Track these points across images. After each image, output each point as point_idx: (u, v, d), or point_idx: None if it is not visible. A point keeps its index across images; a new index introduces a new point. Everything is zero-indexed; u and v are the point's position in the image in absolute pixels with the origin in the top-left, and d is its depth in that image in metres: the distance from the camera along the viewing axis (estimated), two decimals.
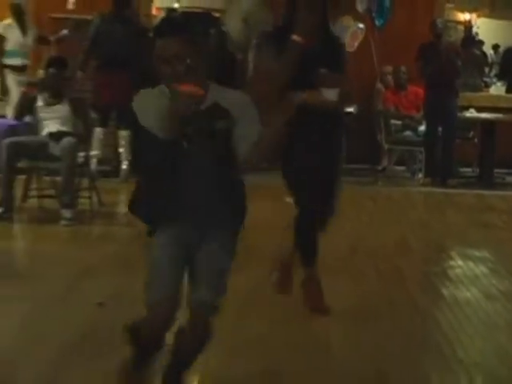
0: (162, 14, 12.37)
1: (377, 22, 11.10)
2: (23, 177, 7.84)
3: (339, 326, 4.84)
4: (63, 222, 7.33)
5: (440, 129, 10.57)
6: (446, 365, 4.33)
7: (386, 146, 10.91)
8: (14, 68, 9.38)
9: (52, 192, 7.96)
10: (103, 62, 9.30)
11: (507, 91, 11.94)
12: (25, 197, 7.83)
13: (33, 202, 7.91)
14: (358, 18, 10.64)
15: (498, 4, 12.17)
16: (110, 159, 9.96)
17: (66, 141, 7.46)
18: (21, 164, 7.55)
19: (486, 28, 12.09)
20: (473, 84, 11.48)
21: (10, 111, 8.87)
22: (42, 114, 7.69)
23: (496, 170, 11.06)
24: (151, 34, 3.19)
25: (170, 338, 3.24)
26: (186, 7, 14.05)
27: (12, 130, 7.84)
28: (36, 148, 7.54)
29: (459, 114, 10.66)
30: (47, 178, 8.12)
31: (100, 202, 8.20)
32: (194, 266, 3.21)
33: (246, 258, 5.11)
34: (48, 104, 7.70)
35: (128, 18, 9.37)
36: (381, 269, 6.15)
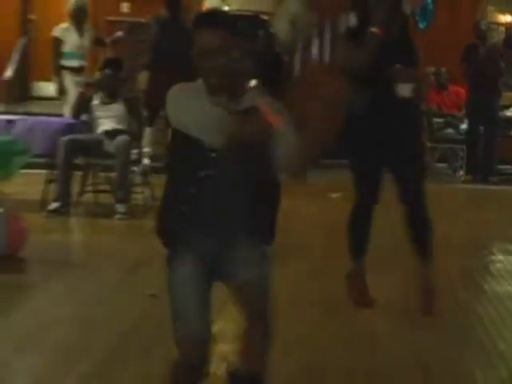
0: None
1: (420, 25, 11.06)
2: (80, 173, 7.89)
3: (383, 320, 4.81)
4: (117, 216, 7.38)
5: (481, 127, 10.50)
6: (488, 359, 4.28)
7: (429, 144, 10.83)
8: (72, 69, 9.44)
9: (107, 187, 8.01)
10: (159, 65, 9.33)
11: None
12: (81, 192, 7.88)
13: (89, 196, 7.97)
14: None
15: None
16: (161, 156, 10.00)
17: (121, 139, 7.52)
18: (77, 160, 7.62)
19: None
20: None
21: (67, 110, 8.94)
22: (97, 113, 7.75)
23: None
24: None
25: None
26: (236, 10, 14.08)
27: (69, 129, 7.89)
28: (92, 145, 7.60)
29: (500, 113, 10.58)
30: (102, 174, 8.18)
31: (152, 196, 8.23)
32: (231, 281, 2.91)
33: (285, 256, 5.11)
34: (103, 103, 7.76)
35: (182, 21, 9.38)
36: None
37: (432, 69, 11.14)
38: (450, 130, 11.03)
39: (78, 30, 9.48)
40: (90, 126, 7.80)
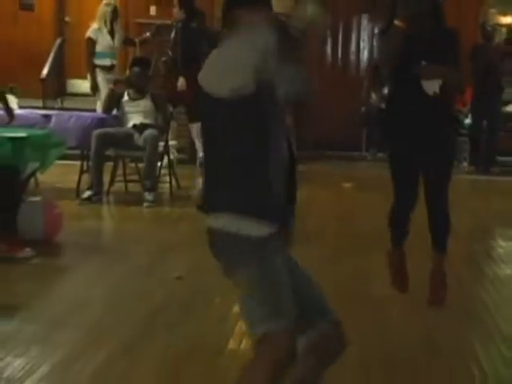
0: None
1: None
2: (111, 164, 7.92)
3: (394, 298, 4.80)
4: (146, 204, 7.40)
5: (485, 122, 10.46)
6: (489, 336, 4.27)
7: None
8: (104, 67, 9.46)
9: (136, 177, 8.04)
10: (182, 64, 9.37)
11: None
12: (112, 181, 7.91)
13: (119, 186, 8.00)
14: None
15: None
16: (185, 148, 10.03)
17: (148, 132, 7.53)
18: (108, 152, 7.64)
19: None
20: None
21: (99, 106, 8.97)
22: (127, 108, 7.77)
23: None
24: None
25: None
26: None
27: (101, 123, 7.92)
28: (122, 138, 7.63)
29: (503, 108, 10.55)
30: (132, 165, 8.22)
31: (178, 186, 8.27)
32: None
33: (302, 240, 5.10)
34: (132, 99, 7.78)
35: (197, 23, 9.38)
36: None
37: None
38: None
39: (109, 31, 9.50)
40: (120, 120, 7.83)
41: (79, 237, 6.17)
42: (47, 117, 8.12)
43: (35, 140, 6.01)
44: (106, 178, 7.75)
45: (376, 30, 11.80)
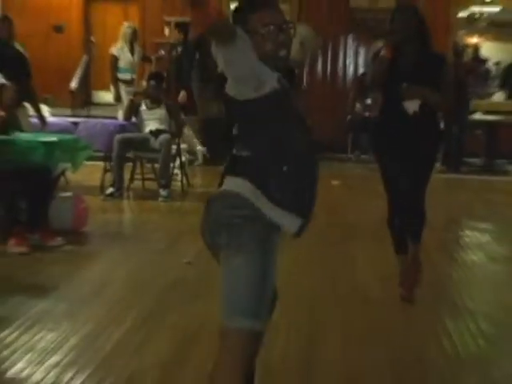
0: None
1: None
2: (130, 164, 7.92)
3: (377, 280, 4.83)
4: (160, 199, 7.41)
5: (454, 128, 10.46)
6: (458, 312, 4.28)
7: None
8: (125, 81, 9.45)
9: (152, 176, 8.04)
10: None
11: (507, 99, 11.77)
12: (131, 179, 7.91)
13: (137, 183, 8.00)
14: None
15: (498, 31, 11.96)
16: (194, 152, 10.03)
17: (163, 137, 7.53)
18: (128, 154, 7.64)
19: (489, 49, 11.88)
20: (480, 93, 11.30)
21: (120, 114, 8.97)
22: (144, 116, 7.77)
23: (498, 160, 10.89)
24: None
25: None
26: None
27: (122, 128, 7.92)
28: (140, 142, 7.63)
29: (470, 117, 10.55)
30: (148, 165, 8.21)
31: (188, 183, 8.26)
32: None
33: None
34: (149, 108, 7.77)
35: (189, 44, 9.47)
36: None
37: None
38: None
39: (130, 50, 9.50)
40: (138, 126, 7.82)
41: (103, 227, 6.18)
42: (75, 124, 8.13)
43: (65, 144, 6.01)
44: (126, 177, 7.75)
45: (360, 49, 11.81)
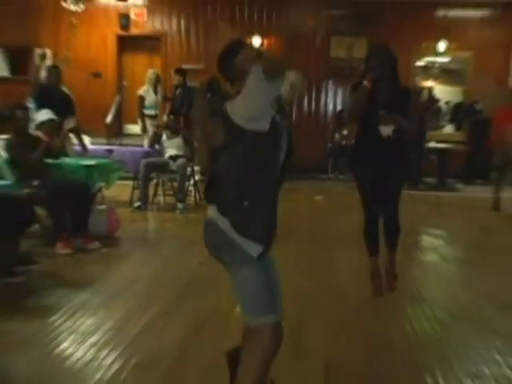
0: None
1: None
2: (154, 183, 7.92)
3: (353, 278, 4.80)
4: (178, 211, 7.40)
5: (413, 155, 10.49)
6: (416, 302, 4.28)
7: None
8: (150, 116, 9.49)
9: (171, 192, 8.04)
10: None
11: (455, 130, 11.86)
12: (155, 195, 7.92)
13: (159, 198, 7.99)
14: None
15: (448, 76, 12.05)
16: (204, 172, 9.99)
17: (180, 161, 7.55)
18: (152, 175, 7.65)
19: (441, 91, 11.96)
20: (434, 126, 11.37)
21: (146, 143, 8.99)
22: (165, 144, 7.79)
23: (448, 180, 10.89)
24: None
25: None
26: None
27: (147, 154, 7.94)
28: (162, 165, 7.64)
29: (426, 145, 10.60)
30: (168, 184, 8.22)
31: (200, 198, 8.26)
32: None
33: (285, 239, 4.95)
34: (169, 138, 7.80)
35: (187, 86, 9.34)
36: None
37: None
38: None
39: (154, 91, 9.55)
40: (160, 152, 7.84)
41: (131, 233, 6.17)
42: (110, 151, 8.13)
43: (101, 167, 6.04)
44: (151, 193, 7.75)
45: (338, 91, 11.86)
